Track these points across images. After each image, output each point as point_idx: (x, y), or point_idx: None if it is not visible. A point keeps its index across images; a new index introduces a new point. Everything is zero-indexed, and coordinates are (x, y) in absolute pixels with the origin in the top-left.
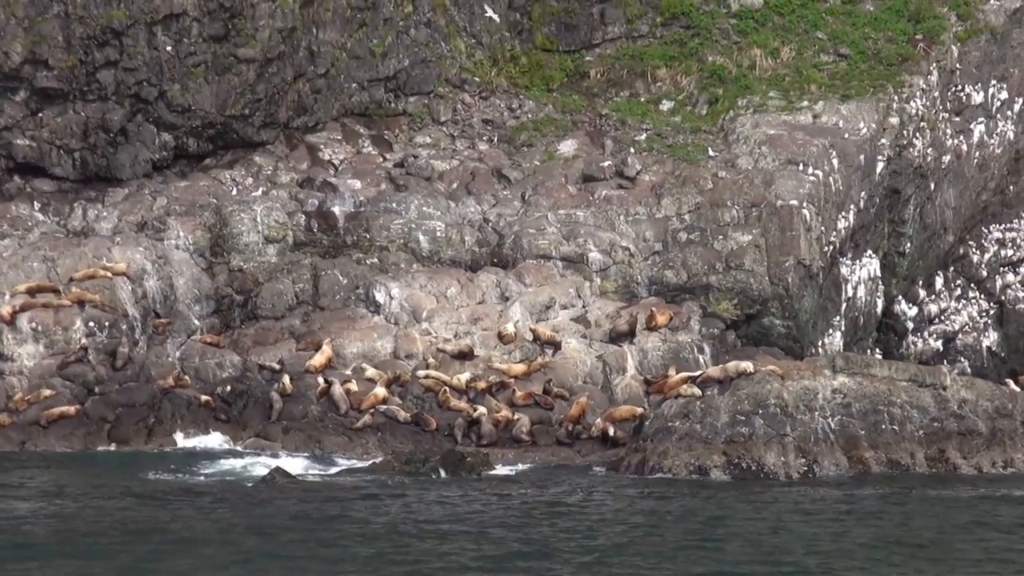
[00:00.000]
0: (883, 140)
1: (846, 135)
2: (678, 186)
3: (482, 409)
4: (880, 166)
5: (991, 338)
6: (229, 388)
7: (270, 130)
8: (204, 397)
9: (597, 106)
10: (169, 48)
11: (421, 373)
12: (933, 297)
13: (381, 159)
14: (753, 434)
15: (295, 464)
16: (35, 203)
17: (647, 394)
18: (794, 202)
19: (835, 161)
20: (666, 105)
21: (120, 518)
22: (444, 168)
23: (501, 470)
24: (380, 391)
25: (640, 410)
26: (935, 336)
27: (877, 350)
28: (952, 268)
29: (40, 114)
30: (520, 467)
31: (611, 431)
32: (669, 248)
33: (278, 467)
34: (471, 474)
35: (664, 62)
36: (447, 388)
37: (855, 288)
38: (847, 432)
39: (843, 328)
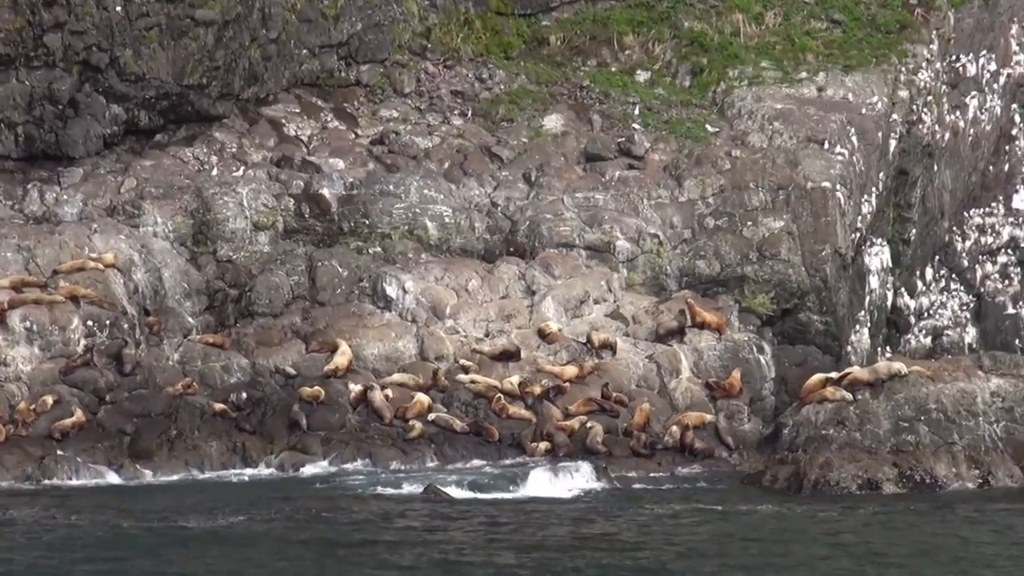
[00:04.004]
0: (894, 116)
1: (862, 110)
2: (693, 166)
3: (555, 413)
4: (892, 144)
5: (971, 334)
6: (245, 395)
7: (225, 102)
8: (218, 405)
9: (571, 76)
10: (119, 8)
11: (465, 378)
12: (924, 289)
13: (353, 135)
14: (920, 442)
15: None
16: None
17: (712, 399)
18: (826, 184)
19: (855, 139)
20: (642, 76)
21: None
22: (427, 146)
23: (626, 482)
24: (424, 398)
25: (710, 416)
26: (924, 332)
27: (887, 348)
28: (937, 257)
29: None
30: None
31: (692, 440)
32: (697, 235)
33: (431, 484)
34: (609, 483)
35: (632, 27)
36: (502, 395)
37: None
38: (1014, 439)
39: (869, 324)
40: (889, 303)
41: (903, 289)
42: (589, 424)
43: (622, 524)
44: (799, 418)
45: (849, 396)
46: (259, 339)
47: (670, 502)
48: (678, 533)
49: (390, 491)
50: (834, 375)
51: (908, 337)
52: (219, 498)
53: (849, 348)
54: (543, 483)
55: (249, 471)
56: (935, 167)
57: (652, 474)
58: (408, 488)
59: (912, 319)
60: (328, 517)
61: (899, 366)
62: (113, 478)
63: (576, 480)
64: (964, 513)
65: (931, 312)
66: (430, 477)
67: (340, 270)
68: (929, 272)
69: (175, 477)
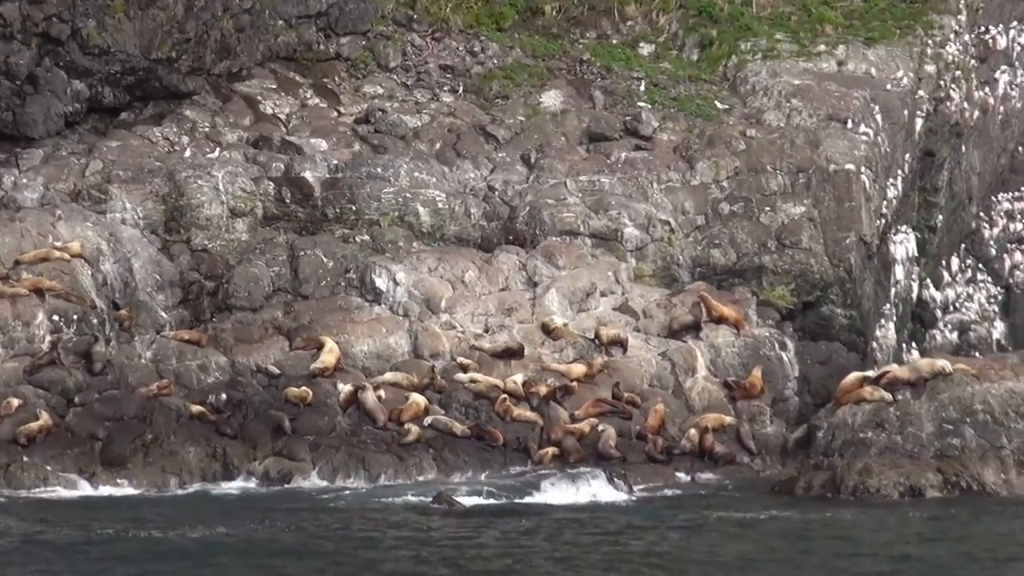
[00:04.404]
0: (921, 92)
1: (886, 86)
2: (706, 147)
3: (563, 415)
4: (919, 123)
5: (999, 329)
6: (224, 397)
7: (195, 78)
8: (196, 407)
9: (570, 50)
10: None
11: (464, 377)
12: (949, 281)
13: (335, 113)
14: (965, 447)
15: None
16: None
17: (731, 399)
18: (850, 166)
19: (879, 117)
20: (646, 49)
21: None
22: (415, 125)
23: (646, 491)
24: (420, 399)
25: (730, 419)
26: (950, 327)
27: (913, 345)
28: (963, 246)
29: None
30: (657, 488)
31: (712, 444)
32: (711, 222)
33: (442, 492)
34: (628, 492)
35: None
36: (506, 395)
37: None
38: None
39: (895, 318)
40: (914, 295)
41: (928, 280)
42: (601, 427)
43: (655, 537)
44: (834, 420)
45: (889, 396)
46: (238, 335)
47: (698, 512)
48: (718, 546)
49: (396, 500)
50: (871, 374)
51: (933, 332)
52: (205, 512)
53: (874, 344)
54: (558, 492)
55: (235, 484)
56: (963, 148)
57: (670, 481)
58: (411, 497)
59: (938, 313)
60: (338, 531)
61: (943, 364)
62: (85, 487)
63: (592, 488)
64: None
65: (957, 305)
66: (426, 486)
67: (325, 260)
68: (955, 262)
69: (153, 492)
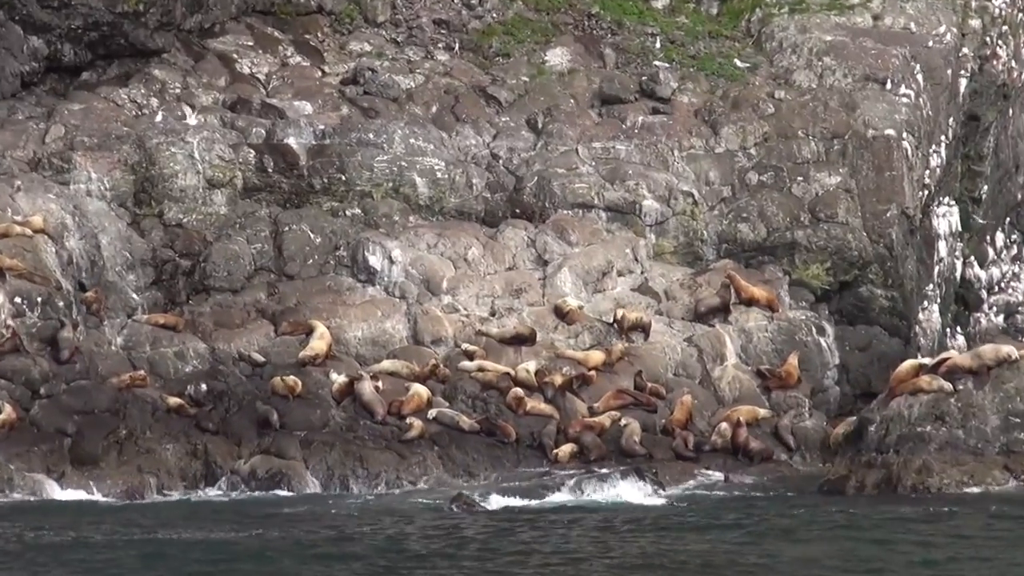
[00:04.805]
0: (965, 49)
1: (928, 43)
2: (730, 110)
3: (581, 407)
4: (963, 84)
5: None
6: (204, 387)
7: (164, 34)
8: (173, 400)
9: (577, 3)
10: None
11: (471, 365)
12: (994, 258)
13: (319, 73)
14: None
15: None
16: None
17: (765, 390)
18: (890, 131)
19: (920, 77)
20: (660, 1)
21: None
22: (408, 86)
23: (678, 491)
24: (422, 390)
25: (764, 411)
26: (996, 309)
27: (958, 329)
28: (1009, 219)
29: None
30: (689, 488)
31: (746, 439)
32: (738, 193)
33: (460, 493)
34: (660, 493)
35: None
36: (517, 386)
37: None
38: None
39: (939, 299)
40: (958, 275)
41: (972, 258)
42: (623, 421)
43: (708, 542)
44: (888, 413)
45: (949, 386)
46: (217, 319)
47: (745, 514)
48: (778, 551)
49: (405, 504)
50: (928, 361)
51: (978, 315)
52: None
53: (917, 329)
54: (584, 493)
55: (223, 486)
56: (1010, 111)
57: (702, 480)
58: (423, 500)
59: (983, 293)
60: (354, 539)
61: (1008, 350)
62: (54, 490)
63: (620, 489)
64: None
65: (1003, 285)
66: (435, 488)
67: (312, 236)
68: (1000, 237)
69: (133, 499)
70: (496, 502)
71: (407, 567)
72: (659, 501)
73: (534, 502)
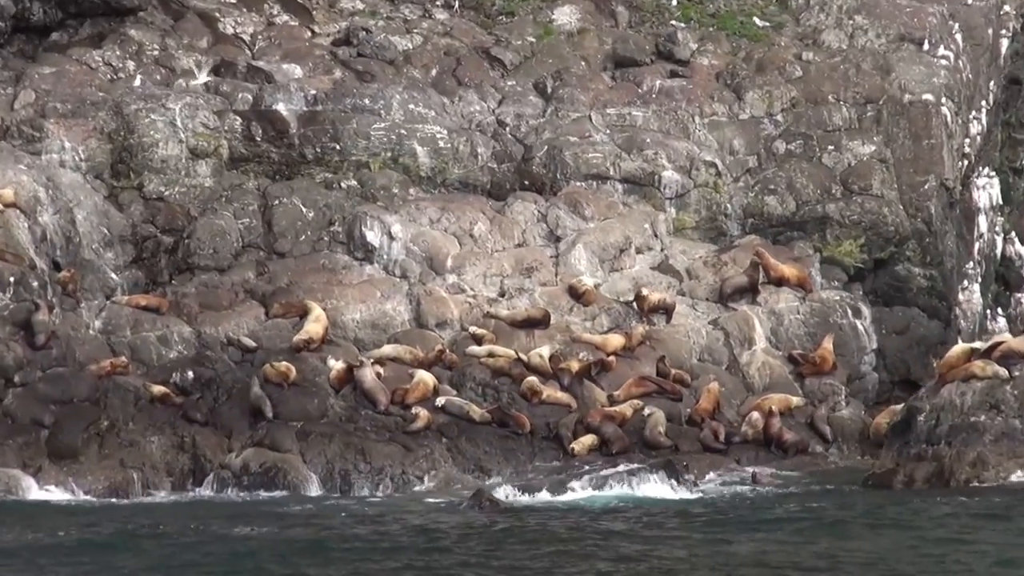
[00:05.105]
0: (1006, 7)
1: (968, 0)
2: (755, 73)
3: (600, 396)
4: (1004, 45)
5: None
6: (191, 375)
7: None
8: (157, 388)
9: None
10: None
11: (479, 350)
12: None
13: (308, 33)
14: None
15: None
16: None
17: (798, 376)
18: (928, 96)
19: (959, 37)
20: None
21: None
22: (406, 47)
23: (711, 486)
24: (428, 377)
25: (797, 399)
26: None
27: (999, 311)
28: None
29: None
30: (722, 483)
31: (780, 430)
32: (764, 163)
33: (481, 490)
34: (690, 488)
35: None
36: (531, 372)
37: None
38: None
39: (980, 278)
40: (998, 252)
41: (1013, 233)
42: (647, 411)
43: (759, 540)
44: (938, 401)
45: (1004, 372)
46: (203, 301)
47: (790, 510)
48: (840, 549)
49: (418, 503)
50: (980, 345)
51: (1020, 296)
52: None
53: (957, 310)
54: (612, 488)
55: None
56: None
57: (733, 474)
58: (435, 500)
59: None
60: (375, 542)
61: None
62: (31, 486)
63: (651, 484)
64: None
65: None
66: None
67: (304, 210)
68: None
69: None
70: (518, 500)
71: None
72: (694, 497)
73: (559, 499)
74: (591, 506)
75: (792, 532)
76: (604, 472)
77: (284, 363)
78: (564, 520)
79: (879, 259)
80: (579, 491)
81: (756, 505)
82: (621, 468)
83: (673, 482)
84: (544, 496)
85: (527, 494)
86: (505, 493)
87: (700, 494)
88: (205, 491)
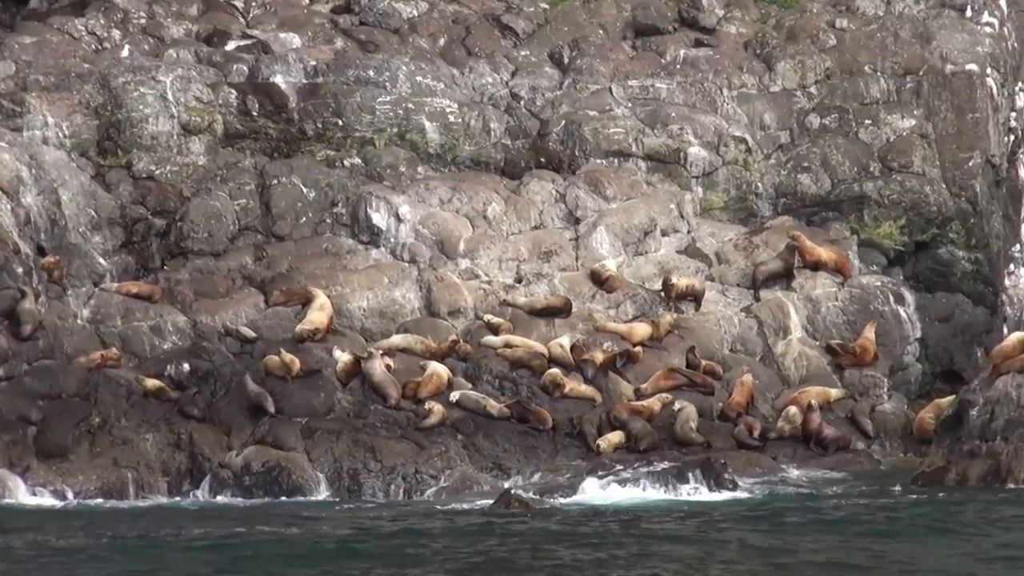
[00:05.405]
0: None
1: None
2: (786, 42)
3: (626, 389)
4: None
5: None
6: (187, 367)
7: None
8: (151, 382)
9: None
10: None
11: (496, 341)
12: None
13: (307, 0)
14: None
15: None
16: None
17: (837, 367)
18: (972, 67)
19: (1003, 2)
20: None
21: None
22: (411, 15)
23: (749, 482)
24: (441, 370)
25: (836, 392)
26: None
27: None
28: None
29: None
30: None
31: (820, 426)
32: (797, 139)
33: (509, 491)
34: (728, 489)
35: None
36: (554, 365)
37: None
38: None
39: None
40: None
41: None
42: (677, 405)
43: (829, 544)
44: (993, 394)
45: None
46: (198, 288)
47: (848, 511)
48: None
49: (443, 507)
50: None
51: None
52: None
53: (1003, 296)
54: (643, 488)
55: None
56: None
57: (772, 474)
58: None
59: None
60: (401, 551)
61: None
62: (19, 487)
63: (689, 484)
64: None
65: None
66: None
67: (304, 190)
68: None
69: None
70: (548, 501)
71: None
72: (735, 497)
73: (596, 500)
74: (626, 508)
75: (852, 536)
76: (637, 471)
77: (288, 355)
78: (602, 522)
79: (920, 241)
80: (609, 492)
81: (804, 507)
82: (656, 467)
83: (711, 482)
84: (577, 497)
85: (556, 495)
86: (530, 494)
87: (746, 494)
88: (203, 493)
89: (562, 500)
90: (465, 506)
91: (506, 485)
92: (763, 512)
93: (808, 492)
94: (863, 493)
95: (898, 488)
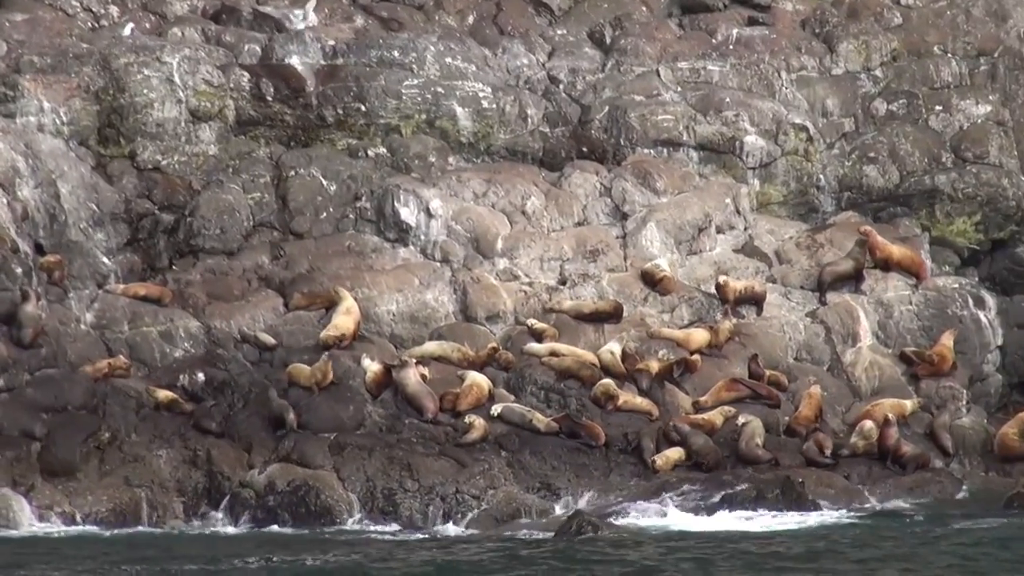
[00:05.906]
0: None
1: None
2: (847, 21)
3: (684, 402)
4: None
5: None
6: (202, 377)
7: None
8: (163, 393)
9: None
10: None
11: (540, 349)
12: None
13: None
14: None
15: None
16: None
17: (912, 378)
18: None
19: None
20: None
21: None
22: None
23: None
24: (481, 380)
25: (912, 403)
26: None
27: None
28: None
29: None
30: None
31: (897, 442)
32: (862, 127)
33: (579, 512)
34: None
35: None
36: (607, 376)
37: None
38: None
39: None
40: None
41: None
42: (741, 419)
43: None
44: None
45: None
46: (211, 290)
47: (937, 541)
48: None
49: (507, 538)
50: None
51: None
52: None
53: None
54: (710, 512)
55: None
56: None
57: (847, 495)
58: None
59: None
60: None
61: None
62: (23, 508)
63: (763, 507)
64: None
65: None
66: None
67: (324, 183)
68: None
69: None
70: (615, 524)
71: None
72: (825, 520)
73: (671, 525)
74: (715, 533)
75: (966, 572)
76: (707, 491)
77: (317, 365)
78: (688, 550)
79: (997, 239)
80: (675, 515)
81: (899, 533)
82: (734, 487)
83: (792, 503)
84: (640, 521)
85: (621, 518)
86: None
87: (834, 519)
88: (223, 514)
89: (639, 523)
90: (522, 535)
91: (557, 508)
92: (852, 537)
93: (891, 515)
94: (952, 516)
95: (961, 511)
